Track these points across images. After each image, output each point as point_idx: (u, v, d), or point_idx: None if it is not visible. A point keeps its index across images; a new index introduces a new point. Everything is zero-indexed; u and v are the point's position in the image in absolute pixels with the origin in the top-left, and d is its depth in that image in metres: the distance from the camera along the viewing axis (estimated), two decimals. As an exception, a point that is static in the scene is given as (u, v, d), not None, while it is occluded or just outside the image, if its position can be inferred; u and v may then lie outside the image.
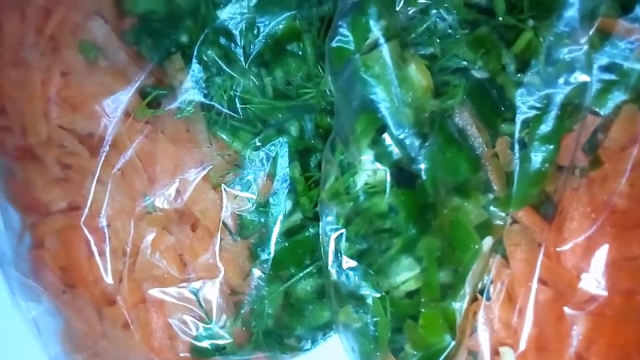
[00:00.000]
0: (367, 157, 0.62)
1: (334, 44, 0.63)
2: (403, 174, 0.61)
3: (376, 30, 0.61)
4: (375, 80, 0.61)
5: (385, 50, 0.61)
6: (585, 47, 0.57)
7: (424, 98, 0.61)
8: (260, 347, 0.73)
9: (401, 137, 0.61)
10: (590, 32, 0.57)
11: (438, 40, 0.62)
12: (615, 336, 0.56)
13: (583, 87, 0.57)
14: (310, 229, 0.72)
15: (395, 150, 0.61)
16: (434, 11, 0.61)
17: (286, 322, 0.74)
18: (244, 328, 0.72)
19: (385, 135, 0.61)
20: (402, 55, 0.61)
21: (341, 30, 0.62)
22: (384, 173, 0.61)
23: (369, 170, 0.62)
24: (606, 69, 0.57)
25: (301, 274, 0.72)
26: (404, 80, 0.61)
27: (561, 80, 0.58)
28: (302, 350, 0.76)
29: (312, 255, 0.72)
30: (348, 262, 0.64)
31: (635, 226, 0.56)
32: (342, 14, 0.63)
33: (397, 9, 0.62)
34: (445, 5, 0.61)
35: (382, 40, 0.61)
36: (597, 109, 0.58)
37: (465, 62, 0.61)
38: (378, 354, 0.64)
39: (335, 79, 0.65)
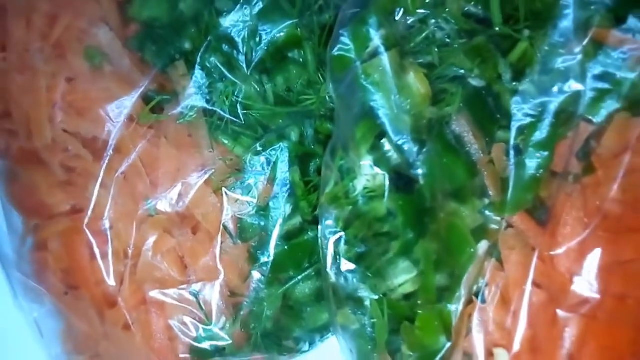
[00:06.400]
0: (366, 162, 0.63)
1: (335, 52, 0.64)
2: (401, 179, 0.62)
3: (376, 39, 0.62)
4: (375, 87, 0.62)
5: (385, 58, 0.61)
6: (579, 56, 0.57)
7: (422, 105, 0.61)
8: (259, 349, 0.74)
9: (400, 143, 0.61)
10: (585, 42, 0.57)
11: (436, 50, 0.62)
12: (608, 338, 0.56)
13: (576, 95, 0.57)
14: (309, 233, 0.73)
15: (393, 156, 0.62)
16: (433, 21, 0.62)
17: (285, 324, 0.75)
18: (243, 330, 0.73)
19: (384, 141, 0.62)
20: (401, 64, 0.62)
21: (342, 39, 0.63)
22: (382, 178, 0.62)
23: (368, 175, 0.63)
24: (600, 78, 0.57)
25: (300, 277, 0.73)
26: (403, 88, 0.61)
27: (555, 89, 0.58)
28: (300, 352, 0.77)
29: (311, 258, 0.73)
30: (347, 265, 0.64)
31: (627, 231, 0.56)
32: (344, 23, 0.64)
33: (397, 18, 0.63)
34: (444, 15, 0.61)
35: (382, 49, 0.62)
36: (590, 117, 0.58)
37: (462, 71, 0.61)
38: (375, 355, 0.65)
39: (336, 86, 0.66)
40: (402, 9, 0.63)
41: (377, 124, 0.62)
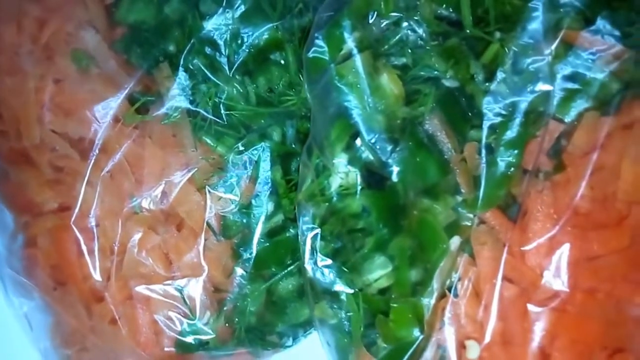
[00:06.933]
0: (340, 160, 0.64)
1: (310, 54, 0.65)
2: (373, 176, 0.63)
3: (350, 42, 0.63)
4: (348, 88, 0.63)
5: (358, 60, 0.63)
6: (548, 58, 0.58)
7: (396, 105, 0.62)
8: (243, 343, 0.75)
9: (373, 141, 0.62)
10: (555, 44, 0.58)
11: (410, 51, 0.63)
12: (578, 331, 0.57)
13: (545, 95, 0.58)
14: (291, 230, 0.73)
15: (367, 155, 0.63)
16: (405, 24, 0.63)
17: (268, 319, 0.75)
18: (226, 324, 0.74)
19: (358, 140, 0.63)
20: (374, 65, 0.63)
21: (317, 41, 0.64)
22: (355, 175, 0.63)
23: (342, 172, 0.64)
24: (570, 78, 0.58)
25: (282, 273, 0.74)
26: (377, 89, 0.62)
27: (526, 89, 0.59)
28: (283, 346, 0.78)
29: (293, 254, 0.73)
30: (323, 260, 0.65)
31: (595, 227, 0.57)
32: (319, 26, 0.65)
33: (370, 21, 0.64)
34: (416, 18, 0.62)
35: (355, 51, 0.63)
36: (561, 116, 0.59)
37: (436, 72, 0.62)
38: (352, 348, 0.65)
39: (311, 87, 0.66)
40: (376, 12, 0.63)
41: (351, 123, 0.63)
